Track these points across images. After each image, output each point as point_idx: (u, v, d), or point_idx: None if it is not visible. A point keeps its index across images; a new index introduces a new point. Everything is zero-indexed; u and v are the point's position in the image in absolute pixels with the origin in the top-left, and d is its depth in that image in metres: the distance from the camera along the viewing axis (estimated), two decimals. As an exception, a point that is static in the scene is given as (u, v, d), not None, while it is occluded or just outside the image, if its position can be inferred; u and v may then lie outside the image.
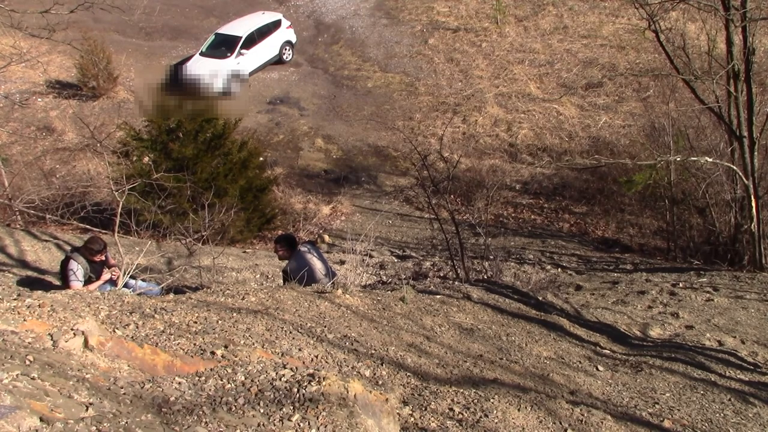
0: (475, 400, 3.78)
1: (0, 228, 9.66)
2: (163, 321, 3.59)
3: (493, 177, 15.20)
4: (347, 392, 2.74)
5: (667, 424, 4.34)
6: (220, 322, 3.86)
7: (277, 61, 20.23)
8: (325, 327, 4.42)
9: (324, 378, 2.78)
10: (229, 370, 2.93)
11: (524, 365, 4.87)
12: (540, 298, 7.24)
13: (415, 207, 15.25)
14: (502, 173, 15.85)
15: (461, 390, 3.90)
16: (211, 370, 2.98)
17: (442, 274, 9.59)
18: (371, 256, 11.18)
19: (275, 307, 4.51)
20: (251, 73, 19.45)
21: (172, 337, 3.40)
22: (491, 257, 10.21)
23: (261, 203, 12.79)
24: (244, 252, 11.31)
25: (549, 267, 11.73)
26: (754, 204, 9.42)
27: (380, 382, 3.77)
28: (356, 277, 8.06)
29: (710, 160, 10.14)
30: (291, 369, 2.94)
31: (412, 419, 3.46)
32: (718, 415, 4.69)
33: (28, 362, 2.57)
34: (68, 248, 8.33)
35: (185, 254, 9.75)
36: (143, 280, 7.15)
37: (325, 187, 16.02)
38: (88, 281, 6.41)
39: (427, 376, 4.16)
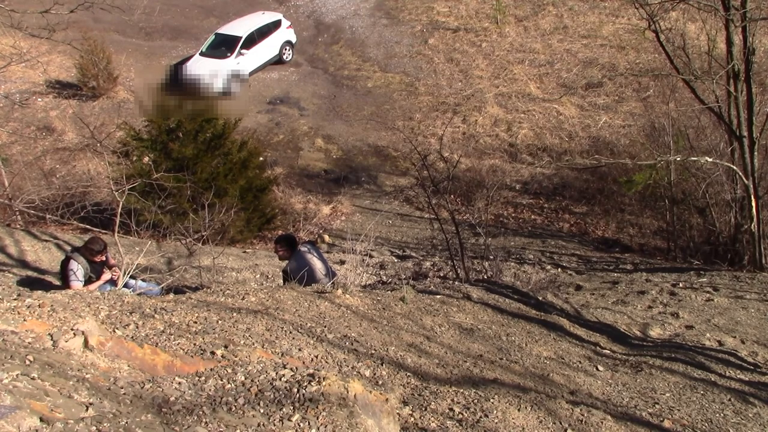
0: (475, 400, 3.78)
1: (0, 228, 9.66)
2: (163, 321, 3.59)
3: (493, 177, 15.20)
4: (347, 392, 2.74)
5: (667, 424, 4.34)
6: (220, 322, 3.86)
7: (277, 61, 20.23)
8: (325, 327, 4.42)
9: (324, 378, 2.78)
10: (229, 370, 2.93)
11: (524, 365, 4.87)
12: (540, 298, 7.24)
13: (415, 207, 15.25)
14: (502, 173, 15.85)
15: (461, 390, 3.90)
16: (211, 370, 2.98)
17: (442, 274, 9.60)
18: (371, 256, 11.18)
19: (275, 307, 4.51)
20: (251, 73, 19.45)
21: (172, 337, 3.40)
22: (491, 257, 10.21)
23: (261, 203, 12.79)
24: (244, 252, 11.31)
25: (549, 267, 11.73)
26: (754, 204, 9.42)
27: (380, 382, 3.77)
28: (356, 277, 8.06)
29: (710, 160, 10.14)
30: (291, 369, 2.94)
31: (412, 419, 3.46)
32: (718, 415, 4.69)
33: (28, 362, 2.57)
34: (68, 248, 8.33)
35: (185, 254, 9.75)
36: (143, 280, 7.15)
37: (325, 187, 16.02)
38: (88, 281, 6.41)
39: (427, 376, 4.16)
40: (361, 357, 4.08)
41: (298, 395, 2.68)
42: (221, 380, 2.81)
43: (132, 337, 3.27)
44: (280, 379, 2.82)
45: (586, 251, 13.22)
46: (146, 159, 11.15)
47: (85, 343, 2.97)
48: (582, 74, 18.78)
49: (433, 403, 3.67)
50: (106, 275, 6.60)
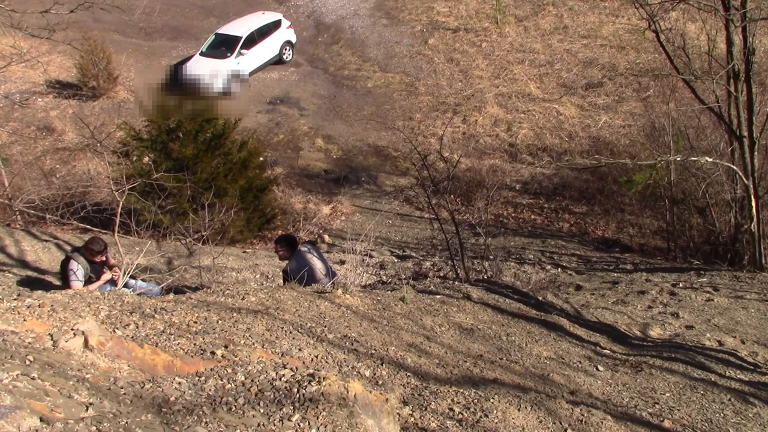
0: (475, 400, 3.78)
1: (0, 228, 9.66)
2: (163, 321, 3.59)
3: (493, 177, 15.20)
4: (347, 392, 2.74)
5: (667, 424, 4.34)
6: (220, 322, 3.86)
7: (277, 61, 20.23)
8: (325, 327, 4.42)
9: (324, 378, 2.78)
10: (229, 370, 2.93)
11: (524, 365, 4.87)
12: (540, 298, 7.24)
13: (415, 207, 15.25)
14: (502, 173, 15.85)
15: (461, 390, 3.90)
16: (211, 370, 2.98)
17: (442, 274, 9.60)
18: (371, 256, 11.18)
19: (275, 307, 4.51)
20: (251, 73, 19.45)
21: (172, 337, 3.40)
22: (491, 257, 10.21)
23: (261, 203, 12.79)
24: (244, 252, 11.31)
25: (549, 267, 11.73)
26: (754, 204, 9.42)
27: (380, 382, 3.77)
28: (356, 277, 8.06)
29: (710, 160, 10.14)
30: (291, 369, 2.94)
31: (412, 419, 3.46)
32: (718, 415, 4.69)
33: (28, 362, 2.57)
34: (68, 248, 8.34)
35: (185, 254, 9.76)
36: (143, 280, 7.15)
37: (325, 187, 16.02)
38: (88, 281, 6.41)
39: (427, 376, 4.16)
40: (361, 357, 4.08)
41: (298, 395, 2.68)
42: (221, 380, 2.81)
43: (132, 337, 3.27)
44: (280, 379, 2.82)
45: (586, 251, 13.22)
46: (146, 159, 11.15)
47: (85, 343, 2.97)
48: (582, 74, 18.78)
49: (433, 403, 3.67)
50: (106, 275, 6.60)
